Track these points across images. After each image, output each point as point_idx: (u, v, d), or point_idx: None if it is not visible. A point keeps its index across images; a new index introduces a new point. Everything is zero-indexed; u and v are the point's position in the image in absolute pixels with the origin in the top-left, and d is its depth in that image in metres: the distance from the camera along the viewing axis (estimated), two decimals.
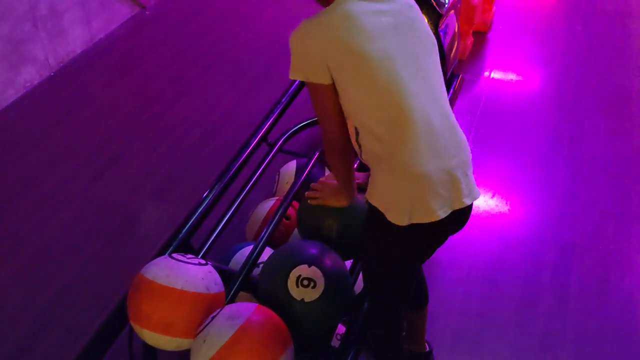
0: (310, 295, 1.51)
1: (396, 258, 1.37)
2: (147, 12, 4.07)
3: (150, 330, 1.42)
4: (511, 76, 3.52)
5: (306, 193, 1.66)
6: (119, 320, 1.55)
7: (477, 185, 1.36)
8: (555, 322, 2.12)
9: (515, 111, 3.20)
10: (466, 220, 1.37)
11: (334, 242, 1.67)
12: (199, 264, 1.55)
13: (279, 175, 2.25)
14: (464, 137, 1.33)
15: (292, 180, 2.16)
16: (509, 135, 2.99)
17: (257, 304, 1.50)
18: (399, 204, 1.24)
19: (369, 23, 1.24)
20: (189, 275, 1.47)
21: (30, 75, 3.26)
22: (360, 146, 1.31)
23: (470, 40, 3.58)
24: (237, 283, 1.64)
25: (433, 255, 1.45)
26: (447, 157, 1.25)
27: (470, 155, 1.34)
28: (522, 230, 2.49)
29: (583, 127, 3.03)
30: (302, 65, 1.27)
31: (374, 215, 1.30)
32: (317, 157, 2.02)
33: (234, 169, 1.97)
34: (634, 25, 3.96)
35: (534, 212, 2.57)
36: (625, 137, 2.97)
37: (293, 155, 2.27)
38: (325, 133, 1.36)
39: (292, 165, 2.23)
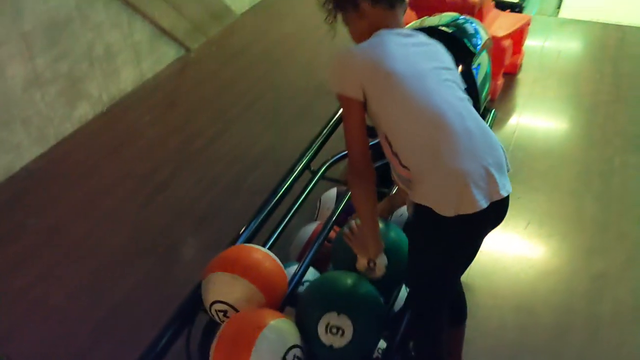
0: (339, 342, 1.56)
1: (446, 253, 1.47)
2: (191, 55, 4.32)
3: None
4: (541, 114, 3.63)
5: (344, 233, 1.74)
6: (178, 326, 1.66)
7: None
8: (588, 351, 2.16)
9: (545, 148, 3.30)
10: (504, 214, 1.48)
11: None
12: None
13: (320, 201, 2.37)
14: (495, 138, 1.47)
15: (332, 206, 2.28)
16: (541, 170, 3.08)
17: None
18: (446, 197, 1.36)
19: (399, 49, 1.46)
20: None
21: (85, 111, 3.49)
22: (397, 155, 1.45)
23: (500, 80, 3.71)
24: (284, 299, 1.75)
25: (471, 272, 1.54)
26: (483, 156, 1.39)
27: (504, 154, 1.46)
28: (554, 261, 2.55)
29: (613, 164, 3.11)
30: (339, 80, 1.46)
31: (422, 214, 1.41)
32: None
33: (279, 193, 2.10)
34: None
35: (566, 243, 2.64)
36: None
37: (334, 182, 2.40)
38: (351, 152, 1.51)
39: (332, 193, 2.36)
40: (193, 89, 4.01)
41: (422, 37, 1.55)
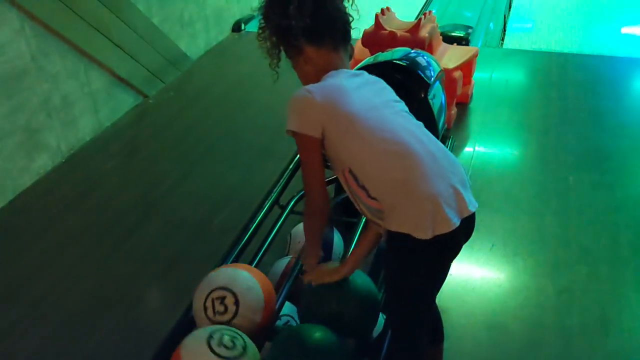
0: None
1: (424, 275, 1.51)
2: (149, 101, 4.34)
3: None
4: (495, 140, 3.77)
5: (305, 280, 1.78)
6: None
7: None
8: None
9: (503, 171, 3.42)
10: (473, 228, 1.54)
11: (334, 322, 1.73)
12: None
13: (290, 236, 2.39)
14: (455, 157, 1.55)
15: (303, 239, 2.30)
16: (500, 193, 3.18)
17: None
18: (421, 221, 1.40)
19: (352, 87, 1.54)
20: None
21: (44, 162, 3.44)
22: (364, 188, 1.48)
23: (454, 110, 3.84)
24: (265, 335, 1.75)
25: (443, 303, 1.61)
26: (449, 175, 1.45)
27: (464, 171, 1.53)
28: (521, 278, 2.62)
29: (568, 182, 3.24)
30: (299, 120, 1.50)
31: (397, 241, 1.45)
32: None
33: (250, 230, 2.12)
34: (603, 90, 4.29)
35: (531, 260, 2.71)
36: (608, 189, 3.17)
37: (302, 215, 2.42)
38: (309, 191, 1.57)
39: (302, 226, 2.38)
40: (153, 135, 4.00)
41: (368, 76, 1.64)
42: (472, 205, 1.48)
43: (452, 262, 1.57)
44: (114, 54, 3.92)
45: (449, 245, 1.48)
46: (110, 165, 3.65)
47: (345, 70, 1.59)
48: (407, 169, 1.43)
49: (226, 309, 1.64)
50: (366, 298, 1.78)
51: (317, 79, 1.56)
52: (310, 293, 1.81)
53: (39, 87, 3.33)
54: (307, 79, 1.59)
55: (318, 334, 1.64)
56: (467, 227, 1.50)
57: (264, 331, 1.72)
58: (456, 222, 1.42)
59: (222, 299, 1.63)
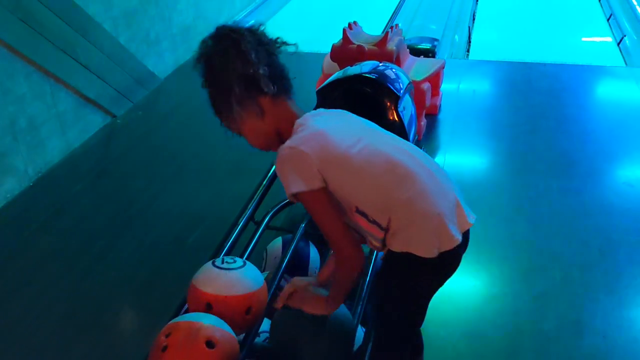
0: None
1: (423, 295, 1.52)
2: (118, 121, 4.28)
3: None
4: (466, 150, 3.82)
5: (279, 299, 1.66)
6: None
7: None
8: None
9: (474, 180, 3.46)
10: (468, 240, 1.54)
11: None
12: None
13: (266, 252, 2.37)
14: (445, 170, 1.56)
15: (279, 255, 2.29)
16: (473, 201, 3.18)
17: None
18: (428, 241, 1.40)
19: (329, 126, 1.46)
20: None
21: (11, 186, 3.36)
22: (375, 222, 1.44)
23: (424, 121, 3.89)
24: (244, 351, 1.73)
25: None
26: (447, 191, 1.46)
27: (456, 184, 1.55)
28: (497, 284, 2.65)
29: (538, 189, 3.30)
30: (299, 179, 1.39)
31: (400, 261, 1.45)
32: (302, 232, 2.17)
33: (226, 247, 2.10)
34: (569, 97, 4.40)
35: (506, 267, 2.75)
36: (576, 194, 3.24)
37: (279, 230, 2.41)
38: (336, 241, 1.44)
39: (278, 242, 2.37)
40: (123, 154, 3.95)
41: (330, 111, 1.58)
42: (471, 218, 1.49)
43: (452, 273, 1.56)
44: (80, 75, 3.87)
45: (451, 260, 1.48)
46: (80, 187, 3.59)
47: (307, 114, 1.51)
48: (410, 189, 1.41)
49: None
50: (343, 337, 1.74)
51: (274, 133, 1.48)
52: (282, 329, 1.76)
53: (4, 109, 3.27)
54: (264, 137, 1.49)
55: None
56: (465, 239, 1.51)
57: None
58: (459, 237, 1.42)
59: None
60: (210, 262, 1.80)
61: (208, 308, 1.68)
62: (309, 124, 1.46)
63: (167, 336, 1.56)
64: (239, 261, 1.79)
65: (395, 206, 1.42)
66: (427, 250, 1.40)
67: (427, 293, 1.54)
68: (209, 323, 1.59)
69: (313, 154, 1.39)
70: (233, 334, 1.63)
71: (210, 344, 1.54)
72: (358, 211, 1.44)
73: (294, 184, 1.39)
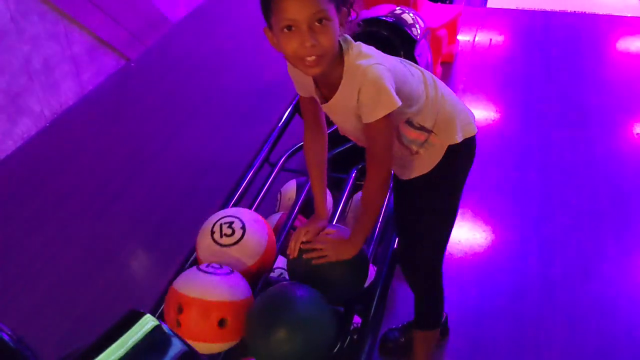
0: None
1: (462, 179, 1.70)
2: (132, 64, 4.28)
3: None
4: (480, 98, 3.80)
5: (304, 255, 1.61)
6: None
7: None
8: (544, 310, 2.30)
9: (487, 129, 3.45)
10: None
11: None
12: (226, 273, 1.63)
13: (280, 193, 2.41)
14: None
15: (293, 197, 2.33)
16: (484, 150, 3.20)
17: None
18: (463, 129, 1.60)
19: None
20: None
21: (27, 127, 3.40)
22: (422, 128, 1.56)
23: (439, 69, 3.86)
24: (259, 284, 1.77)
25: None
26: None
27: None
28: (507, 230, 2.69)
29: (550, 138, 3.29)
30: (391, 98, 1.35)
31: (437, 168, 1.61)
32: None
33: (242, 187, 2.14)
34: (585, 49, 4.32)
35: (516, 214, 2.78)
36: (588, 144, 3.24)
37: (293, 172, 2.44)
38: (383, 162, 1.46)
39: (292, 184, 2.41)
40: (137, 98, 3.96)
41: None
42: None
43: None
44: (94, 16, 3.84)
45: (475, 144, 1.67)
46: (95, 129, 3.62)
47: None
48: (444, 89, 1.61)
49: (233, 232, 1.69)
50: (360, 267, 1.69)
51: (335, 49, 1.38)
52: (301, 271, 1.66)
53: (19, 49, 3.27)
54: (333, 50, 1.35)
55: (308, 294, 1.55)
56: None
57: (259, 274, 1.74)
58: (475, 128, 1.65)
59: (230, 224, 1.68)
60: (195, 266, 1.63)
61: (179, 311, 1.49)
62: (362, 47, 1.43)
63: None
64: (226, 268, 1.59)
65: (439, 105, 1.56)
66: (454, 134, 1.57)
67: (463, 180, 1.70)
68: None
69: (393, 73, 1.40)
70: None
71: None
72: (407, 122, 1.53)
73: (388, 103, 1.35)
